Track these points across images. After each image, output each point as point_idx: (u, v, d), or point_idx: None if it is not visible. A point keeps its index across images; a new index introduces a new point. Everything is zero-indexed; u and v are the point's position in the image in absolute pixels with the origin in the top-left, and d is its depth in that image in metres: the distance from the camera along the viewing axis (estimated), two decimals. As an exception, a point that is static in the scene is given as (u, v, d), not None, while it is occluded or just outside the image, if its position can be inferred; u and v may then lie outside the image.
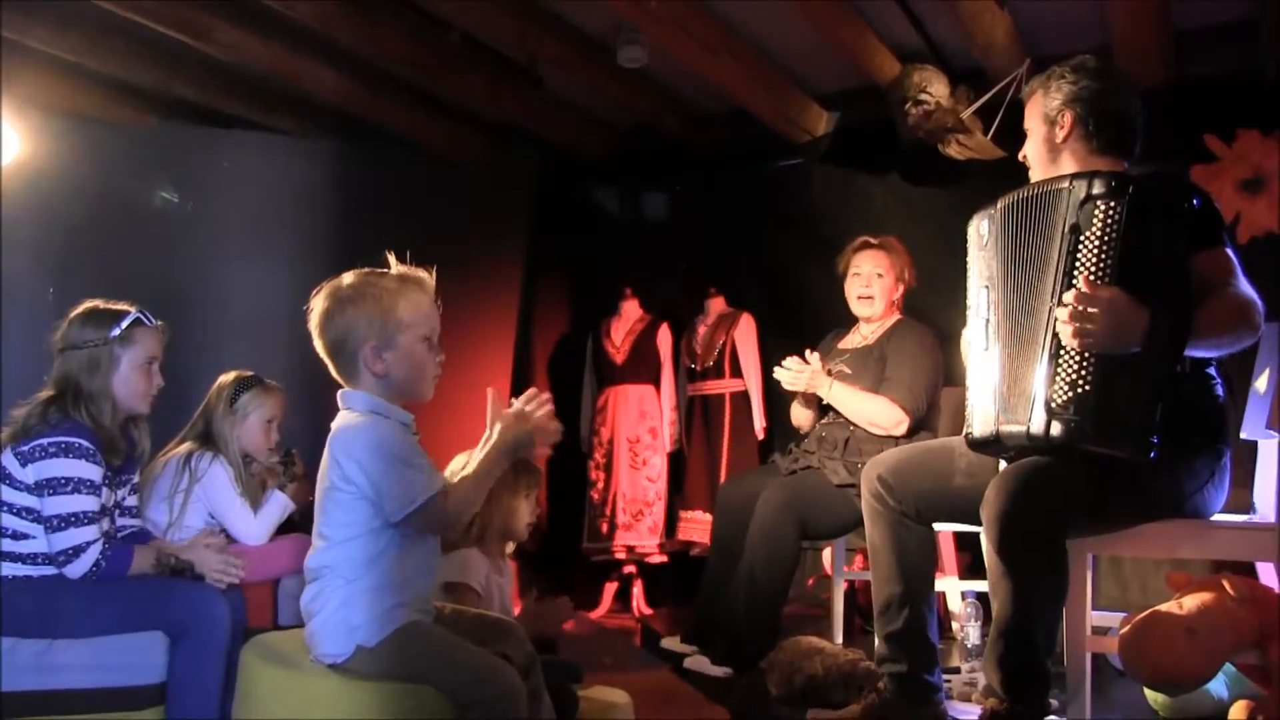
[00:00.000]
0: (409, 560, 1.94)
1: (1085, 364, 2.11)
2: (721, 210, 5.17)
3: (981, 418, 2.34)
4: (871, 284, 3.56)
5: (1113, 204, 2.14)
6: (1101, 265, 2.13)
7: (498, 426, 2.02)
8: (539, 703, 2.04)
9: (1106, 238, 2.12)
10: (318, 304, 1.98)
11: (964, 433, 2.42)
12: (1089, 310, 2.05)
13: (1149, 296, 2.08)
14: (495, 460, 1.98)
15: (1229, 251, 2.27)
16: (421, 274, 2.02)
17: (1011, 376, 2.26)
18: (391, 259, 2.02)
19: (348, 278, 1.99)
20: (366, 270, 2.00)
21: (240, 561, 2.58)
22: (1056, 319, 2.13)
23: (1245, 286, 2.24)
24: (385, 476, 1.87)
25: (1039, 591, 2.16)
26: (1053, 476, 2.17)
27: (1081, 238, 2.16)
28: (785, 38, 4.19)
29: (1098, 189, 2.16)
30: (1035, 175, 2.48)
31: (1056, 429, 2.12)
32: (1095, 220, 2.14)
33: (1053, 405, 2.13)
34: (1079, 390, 2.10)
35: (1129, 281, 2.10)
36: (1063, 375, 2.13)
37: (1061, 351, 2.14)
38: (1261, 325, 2.22)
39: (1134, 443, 2.11)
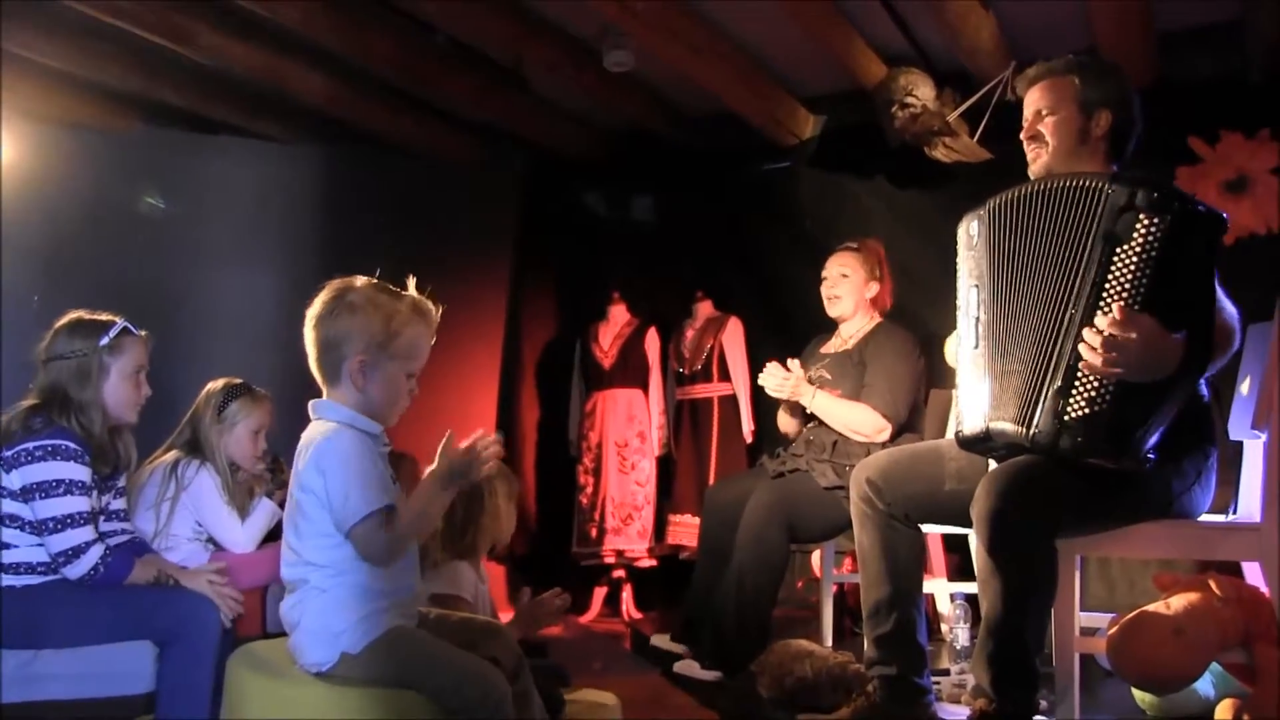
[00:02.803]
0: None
1: (1105, 384, 2.07)
2: (709, 213, 5.17)
3: (972, 416, 2.33)
4: (837, 285, 3.57)
5: (1156, 219, 2.04)
6: (1137, 284, 2.05)
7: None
8: (528, 703, 2.03)
9: (1146, 255, 2.04)
10: (324, 296, 1.96)
11: (955, 432, 2.43)
12: (1124, 339, 1.99)
13: (1178, 320, 2.03)
14: (430, 488, 1.94)
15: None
16: (431, 308, 2.00)
17: (1004, 374, 2.25)
18: (411, 283, 2.00)
19: (361, 282, 1.97)
20: (382, 284, 1.98)
21: (241, 600, 2.54)
22: (1083, 337, 2.06)
23: (1226, 303, 2.25)
24: (339, 485, 1.86)
25: (1028, 590, 2.17)
26: (1043, 476, 2.18)
27: (1118, 250, 2.07)
28: (772, 41, 4.20)
29: (1141, 199, 2.06)
30: (1047, 159, 2.40)
31: (1065, 443, 2.10)
32: (1136, 234, 2.05)
33: (1065, 419, 2.10)
34: (1095, 409, 2.07)
35: (1161, 304, 2.04)
36: (1080, 390, 2.09)
37: (1080, 373, 2.09)
38: (1238, 341, 2.23)
39: (1134, 458, 2.12)
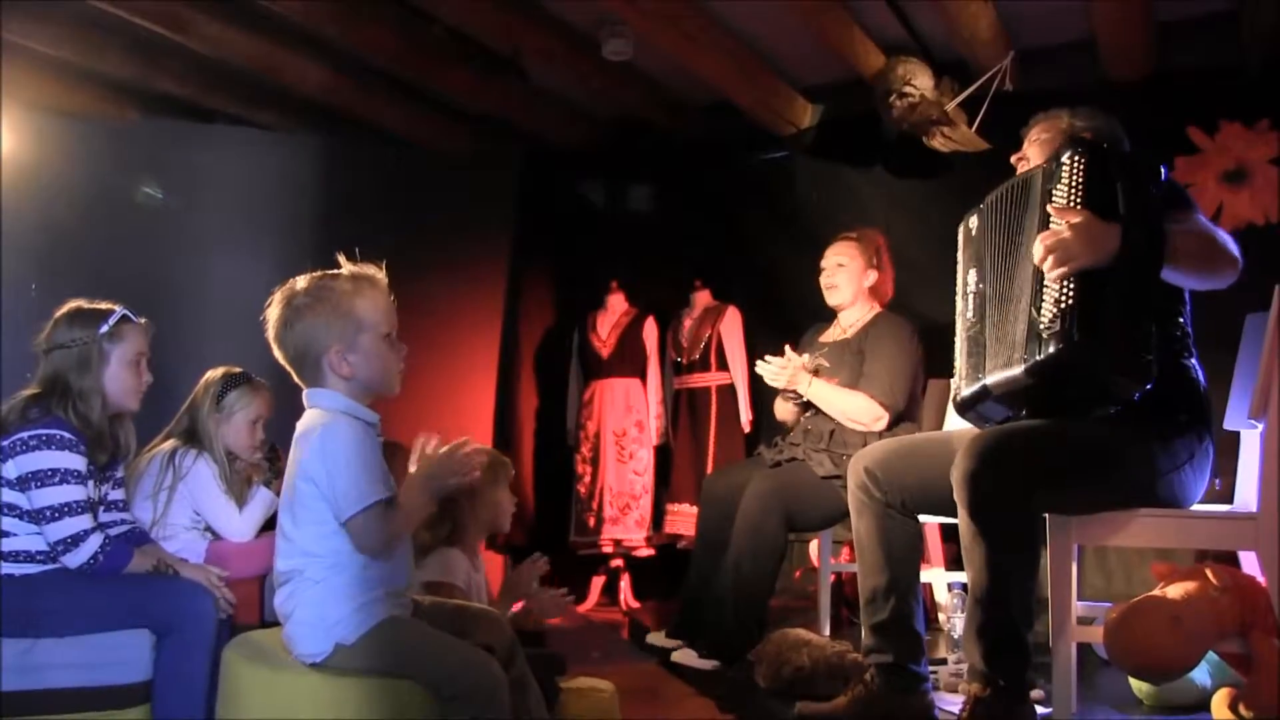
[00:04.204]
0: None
1: (1067, 284, 2.16)
2: (707, 203, 5.17)
3: (969, 378, 2.41)
4: (834, 274, 3.59)
5: (1078, 157, 2.24)
6: (1072, 203, 2.21)
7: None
8: (525, 691, 2.03)
9: (1075, 182, 2.23)
10: (273, 313, 1.97)
11: (951, 396, 2.49)
12: (1060, 237, 2.13)
13: (1114, 219, 2.17)
14: (410, 493, 1.97)
15: (1201, 218, 2.37)
16: (373, 271, 2.01)
17: (1000, 330, 2.32)
18: (341, 259, 2.01)
19: (300, 283, 1.97)
20: (319, 274, 1.99)
21: (234, 602, 2.54)
22: (1035, 255, 2.20)
23: (1212, 225, 2.34)
24: (340, 475, 1.87)
25: (1011, 554, 2.19)
26: (1023, 437, 2.23)
27: (1054, 191, 2.25)
28: (770, 30, 4.19)
29: (1064, 154, 2.28)
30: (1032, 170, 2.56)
31: (1049, 348, 2.15)
32: (1064, 173, 2.25)
33: (1040, 330, 2.18)
34: (1063, 306, 2.15)
35: (1099, 211, 2.18)
36: (1048, 300, 2.18)
37: (1045, 285, 2.19)
38: (1240, 262, 2.27)
39: (1126, 358, 2.16)
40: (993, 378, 2.30)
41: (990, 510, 2.18)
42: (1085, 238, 2.13)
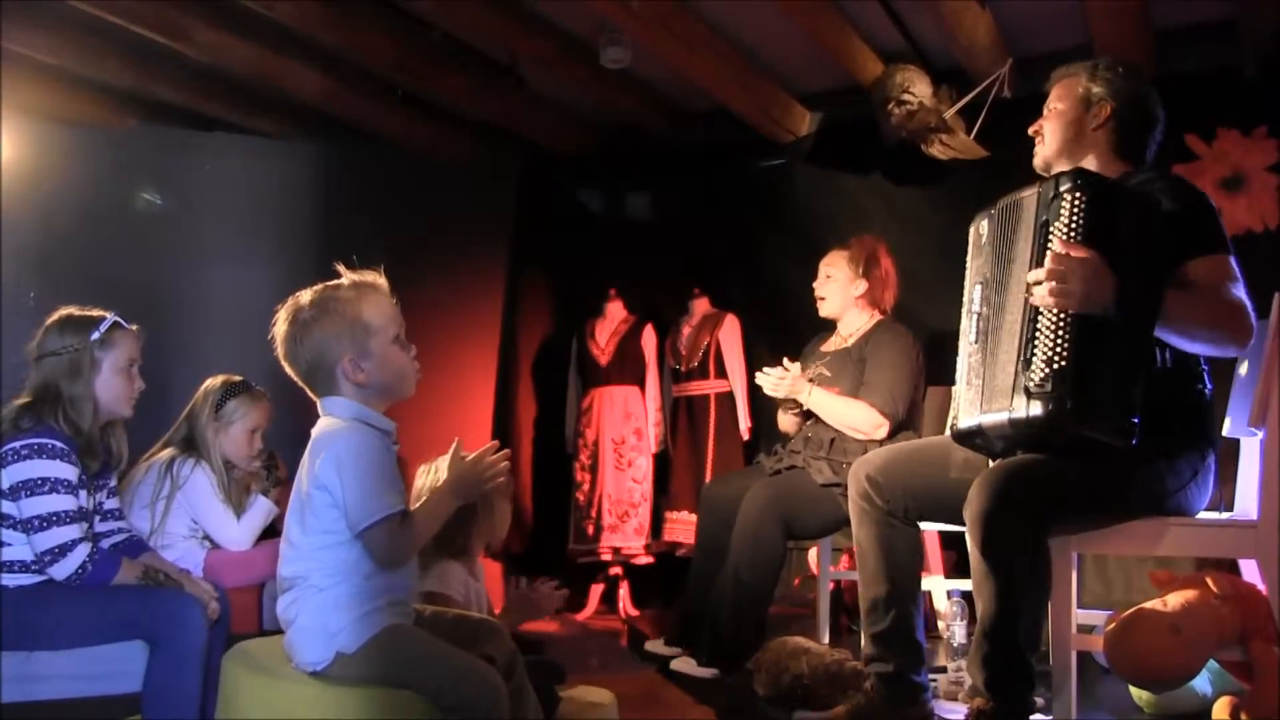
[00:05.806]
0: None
1: (1060, 340, 2.12)
2: (705, 210, 5.17)
3: (967, 409, 2.36)
4: (824, 286, 3.61)
5: (1078, 195, 2.17)
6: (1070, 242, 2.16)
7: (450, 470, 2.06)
8: (524, 702, 2.03)
9: (1073, 223, 2.16)
10: (280, 330, 1.97)
11: (949, 423, 2.44)
12: (1063, 269, 2.07)
13: (1117, 271, 2.11)
14: (440, 498, 2.00)
15: (1231, 260, 2.29)
16: (374, 276, 2.02)
17: (993, 369, 2.28)
18: (341, 268, 2.02)
19: (304, 297, 1.98)
20: (321, 286, 2.00)
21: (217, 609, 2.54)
22: (1030, 297, 2.15)
23: (1239, 292, 2.25)
24: (355, 485, 1.86)
25: (1022, 590, 2.17)
26: (1035, 476, 2.18)
27: (1051, 229, 2.19)
28: (768, 38, 4.20)
29: (1064, 185, 2.20)
30: (1047, 152, 2.52)
31: (1037, 408, 2.12)
32: (1062, 211, 2.18)
33: (1030, 387, 2.14)
34: (1055, 366, 2.12)
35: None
36: (1039, 355, 2.14)
37: (1037, 334, 2.16)
38: (1250, 333, 2.22)
39: (1114, 423, 2.12)
40: (987, 419, 2.27)
41: (1003, 548, 2.15)
42: (1088, 278, 2.07)
